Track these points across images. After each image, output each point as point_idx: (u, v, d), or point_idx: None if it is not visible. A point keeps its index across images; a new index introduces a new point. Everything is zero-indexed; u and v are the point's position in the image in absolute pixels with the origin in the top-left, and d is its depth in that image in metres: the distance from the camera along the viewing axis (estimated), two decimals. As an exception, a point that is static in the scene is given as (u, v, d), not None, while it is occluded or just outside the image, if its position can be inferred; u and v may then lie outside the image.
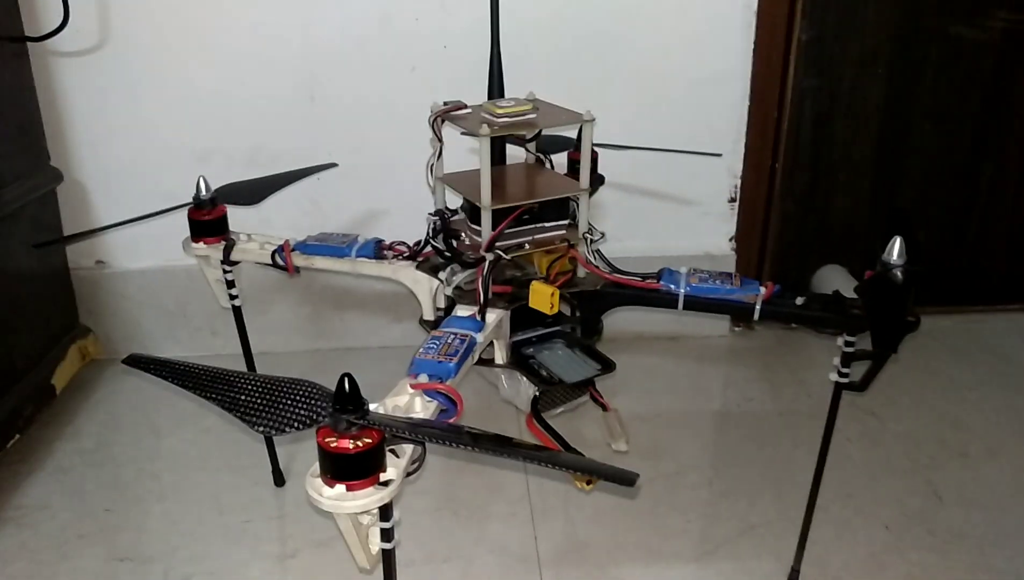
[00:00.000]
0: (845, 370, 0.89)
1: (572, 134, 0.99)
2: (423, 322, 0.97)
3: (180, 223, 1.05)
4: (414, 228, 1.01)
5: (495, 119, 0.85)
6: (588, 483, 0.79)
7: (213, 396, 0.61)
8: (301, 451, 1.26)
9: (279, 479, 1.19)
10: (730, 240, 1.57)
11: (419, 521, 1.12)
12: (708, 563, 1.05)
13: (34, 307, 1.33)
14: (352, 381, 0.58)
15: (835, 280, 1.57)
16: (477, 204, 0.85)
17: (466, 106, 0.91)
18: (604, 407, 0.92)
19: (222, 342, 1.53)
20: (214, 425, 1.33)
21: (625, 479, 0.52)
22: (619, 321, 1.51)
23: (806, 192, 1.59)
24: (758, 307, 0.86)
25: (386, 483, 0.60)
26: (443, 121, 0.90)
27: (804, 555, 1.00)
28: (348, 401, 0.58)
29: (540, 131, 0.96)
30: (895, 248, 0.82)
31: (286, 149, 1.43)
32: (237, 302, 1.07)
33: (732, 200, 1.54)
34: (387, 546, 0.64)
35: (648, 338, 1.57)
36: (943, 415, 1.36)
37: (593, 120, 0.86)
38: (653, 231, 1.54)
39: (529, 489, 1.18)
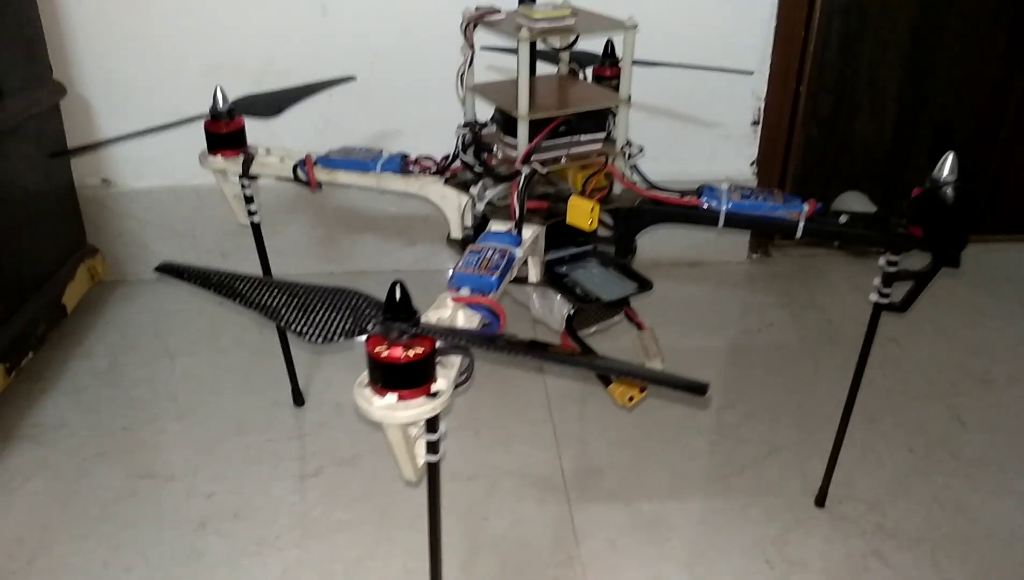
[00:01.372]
0: (886, 290, 0.87)
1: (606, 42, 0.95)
2: (451, 240, 0.94)
3: (187, 141, 1.01)
4: (429, 148, 0.97)
5: (532, 24, 0.81)
6: (631, 399, 0.77)
7: (255, 304, 0.59)
8: (319, 372, 1.25)
9: (299, 399, 1.18)
10: (751, 164, 1.53)
11: (442, 442, 1.11)
12: (734, 484, 1.05)
13: (42, 225, 1.30)
14: (403, 289, 0.56)
15: (855, 206, 1.54)
16: (513, 114, 0.82)
17: (500, 11, 0.86)
18: (639, 326, 0.90)
19: (232, 264, 1.50)
20: (228, 346, 1.32)
21: (695, 388, 0.50)
22: (637, 247, 1.49)
23: (830, 115, 1.55)
24: (801, 224, 0.84)
25: (436, 394, 0.58)
26: (475, 27, 0.86)
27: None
28: (399, 309, 0.56)
29: (575, 40, 0.92)
30: (947, 164, 0.80)
31: (297, 64, 1.38)
32: (256, 219, 1.04)
33: (755, 123, 1.50)
34: (433, 459, 0.63)
35: (666, 264, 1.55)
36: (965, 342, 1.35)
37: (636, 27, 0.82)
38: (673, 153, 1.50)
39: (551, 411, 1.17)
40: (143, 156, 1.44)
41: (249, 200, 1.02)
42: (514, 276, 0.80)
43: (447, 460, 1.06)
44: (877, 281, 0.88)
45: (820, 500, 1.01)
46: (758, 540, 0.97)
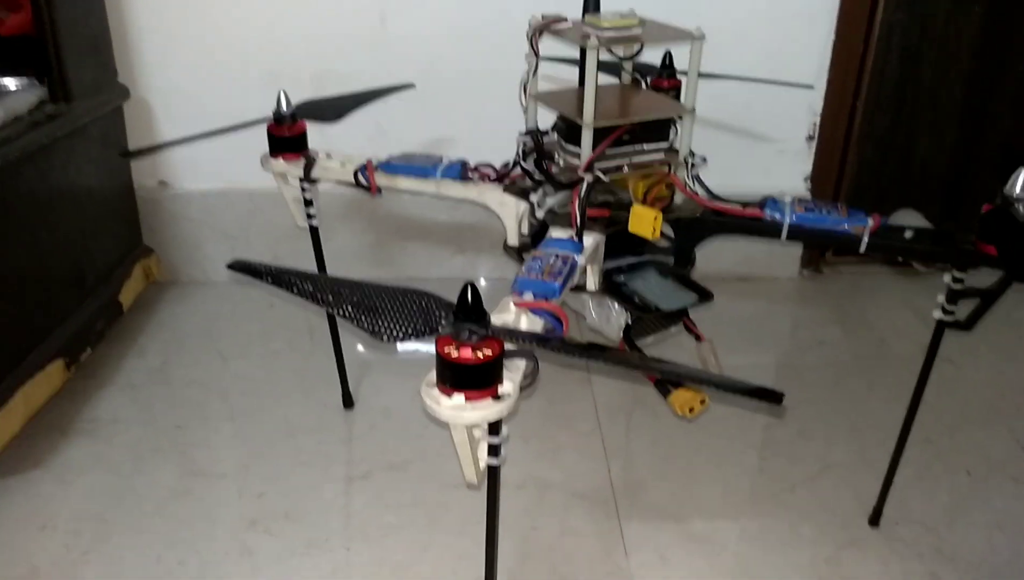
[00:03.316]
0: (951, 307, 0.86)
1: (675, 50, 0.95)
2: (507, 248, 0.95)
3: (243, 145, 1.02)
4: (481, 156, 0.97)
5: (600, 32, 0.81)
6: (691, 410, 0.77)
7: (326, 302, 0.59)
8: (368, 376, 1.26)
9: (348, 401, 1.19)
10: (805, 180, 1.52)
11: (490, 449, 1.11)
12: (786, 501, 1.03)
13: (103, 223, 1.33)
14: (475, 290, 0.56)
15: (910, 224, 1.52)
16: (577, 122, 0.82)
17: (566, 20, 0.87)
18: (698, 337, 0.89)
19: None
20: (279, 349, 1.33)
21: (771, 397, 0.49)
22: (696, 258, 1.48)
23: (887, 133, 1.53)
24: (865, 239, 0.83)
25: (502, 396, 0.58)
26: (541, 35, 0.86)
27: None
28: (470, 311, 0.56)
29: (640, 49, 0.92)
30: (1019, 181, 0.78)
31: (354, 72, 1.39)
32: (315, 222, 1.05)
33: (810, 138, 1.49)
34: (494, 462, 0.63)
35: (716, 278, 1.53)
36: (1024, 365, 1.32)
37: (703, 38, 0.82)
38: (726, 167, 1.47)
39: (600, 421, 1.17)
40: (199, 159, 1.46)
41: (308, 203, 1.03)
42: (574, 283, 0.80)
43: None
44: (941, 298, 0.86)
45: (875, 520, 0.99)
46: (811, 559, 0.95)
